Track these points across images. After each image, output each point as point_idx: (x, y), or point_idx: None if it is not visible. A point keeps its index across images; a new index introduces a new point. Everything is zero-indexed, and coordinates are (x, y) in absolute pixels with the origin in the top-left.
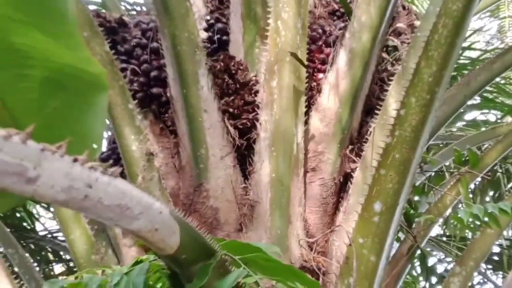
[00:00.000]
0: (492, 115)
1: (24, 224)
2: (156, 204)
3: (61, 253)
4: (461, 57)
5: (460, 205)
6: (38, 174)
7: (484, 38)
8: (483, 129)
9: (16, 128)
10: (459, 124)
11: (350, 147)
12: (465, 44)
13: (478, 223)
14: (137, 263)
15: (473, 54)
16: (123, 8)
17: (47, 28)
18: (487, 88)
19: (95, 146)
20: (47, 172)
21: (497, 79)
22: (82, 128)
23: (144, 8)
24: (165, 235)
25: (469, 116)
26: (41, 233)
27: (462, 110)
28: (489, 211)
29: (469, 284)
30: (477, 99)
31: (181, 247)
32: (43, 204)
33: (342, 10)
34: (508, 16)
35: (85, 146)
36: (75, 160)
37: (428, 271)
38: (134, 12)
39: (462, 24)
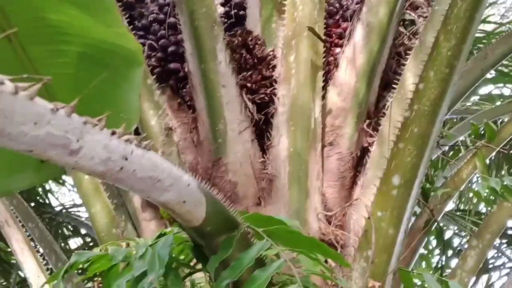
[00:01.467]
0: (507, 89)
1: (40, 200)
2: (185, 176)
3: (77, 227)
4: (477, 30)
5: (476, 179)
6: (80, 146)
7: (499, 12)
8: (498, 103)
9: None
10: (474, 98)
11: (367, 121)
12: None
13: (493, 198)
14: (161, 235)
15: (488, 27)
16: None
17: (84, 5)
18: (503, 62)
19: (131, 118)
20: (88, 144)
21: None
22: (118, 102)
23: None
24: (192, 207)
25: (484, 90)
26: (56, 209)
27: (477, 84)
28: (506, 184)
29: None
30: (492, 73)
31: (207, 219)
32: (57, 180)
33: None
34: None
35: (121, 119)
36: (113, 133)
37: (444, 245)
38: None
39: None
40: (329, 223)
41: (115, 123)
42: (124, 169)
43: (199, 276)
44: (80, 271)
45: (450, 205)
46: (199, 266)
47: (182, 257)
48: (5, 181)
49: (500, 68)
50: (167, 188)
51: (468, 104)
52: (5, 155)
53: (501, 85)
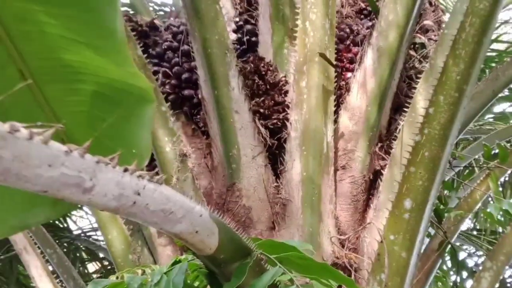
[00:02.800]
0: None
1: (59, 224)
2: (197, 207)
3: (95, 251)
4: (488, 50)
5: (489, 200)
6: (94, 184)
7: None
8: None
9: (67, 138)
10: (488, 116)
11: (379, 144)
12: (492, 37)
13: (508, 217)
14: (175, 262)
15: (501, 46)
16: (151, 9)
17: (97, 46)
18: None
19: (142, 154)
20: (101, 182)
21: None
22: (130, 138)
23: (172, 8)
24: (205, 237)
25: (497, 108)
26: (75, 232)
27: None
28: None
29: (500, 278)
30: (505, 91)
31: (220, 248)
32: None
33: (369, 8)
34: None
35: (133, 155)
36: (126, 170)
37: (458, 266)
38: (162, 13)
39: (489, 23)
40: (343, 246)
41: (127, 159)
42: (136, 204)
43: None
44: None
45: (467, 224)
46: None
47: (196, 283)
48: (22, 215)
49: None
50: (179, 219)
51: (482, 123)
52: (22, 192)
53: None
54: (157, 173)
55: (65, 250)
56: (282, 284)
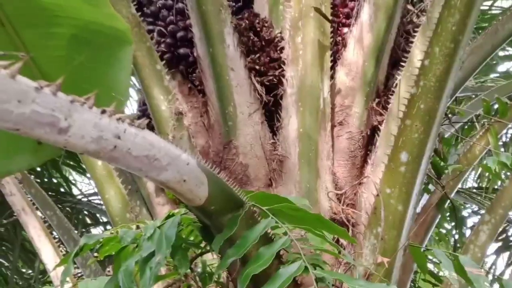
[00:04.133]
0: None
1: (61, 189)
2: (183, 155)
3: (98, 215)
4: (493, 7)
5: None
6: (69, 125)
7: None
8: None
9: None
10: (493, 76)
11: (377, 100)
12: None
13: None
14: (169, 216)
15: (506, 3)
16: None
17: None
18: None
19: (122, 98)
20: (78, 123)
21: None
22: (108, 82)
23: None
24: (193, 186)
25: (502, 67)
26: (77, 197)
27: (494, 62)
28: None
29: (499, 230)
30: (510, 50)
31: (210, 198)
32: (78, 169)
33: None
34: None
35: (112, 99)
36: (103, 112)
37: (457, 221)
38: None
39: None
40: (340, 201)
41: (106, 103)
42: (118, 148)
43: (212, 258)
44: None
45: (469, 183)
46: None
47: (192, 238)
48: (4, 162)
49: None
50: (165, 167)
51: (483, 80)
52: (1, 138)
53: None
54: (138, 118)
55: (68, 215)
56: (277, 237)
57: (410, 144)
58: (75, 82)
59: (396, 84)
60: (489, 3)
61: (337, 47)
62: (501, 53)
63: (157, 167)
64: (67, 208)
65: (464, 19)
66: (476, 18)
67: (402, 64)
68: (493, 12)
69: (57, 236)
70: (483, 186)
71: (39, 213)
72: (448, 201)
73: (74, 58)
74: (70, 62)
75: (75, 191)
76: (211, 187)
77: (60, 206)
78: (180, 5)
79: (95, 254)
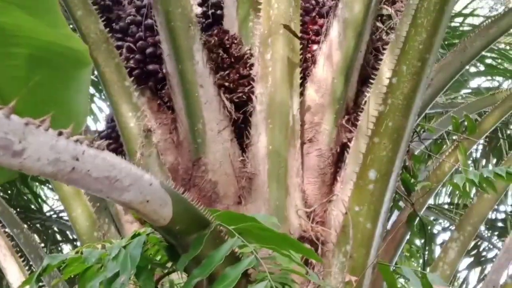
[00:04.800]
0: (496, 82)
1: (31, 206)
2: (146, 175)
3: (68, 232)
4: (464, 24)
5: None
6: (24, 148)
7: (488, 4)
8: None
9: (4, 104)
10: (464, 92)
11: (346, 117)
12: (467, 11)
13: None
14: (134, 236)
15: (477, 21)
16: None
17: (30, 7)
18: (490, 54)
19: (80, 119)
20: (33, 145)
21: (501, 46)
22: (67, 102)
23: None
24: (157, 206)
25: (473, 83)
26: (47, 214)
27: (465, 78)
28: (485, 176)
29: (468, 248)
30: (481, 66)
31: (174, 218)
32: (49, 185)
33: None
34: None
35: (70, 120)
36: (60, 134)
37: (426, 238)
38: None
39: None
40: (310, 219)
41: (66, 124)
42: (76, 170)
43: (180, 277)
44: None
45: (441, 198)
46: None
47: (158, 257)
48: None
49: (487, 61)
50: (127, 187)
51: (456, 97)
52: None
53: (490, 78)
54: (112, 143)
55: (37, 232)
56: (244, 256)
57: (378, 162)
58: (34, 103)
59: (365, 101)
60: (460, 19)
61: (306, 64)
62: (472, 69)
63: (119, 188)
64: (37, 225)
65: (431, 38)
66: (443, 36)
67: (371, 81)
68: (464, 28)
69: (24, 255)
70: (455, 202)
71: (7, 230)
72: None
73: (33, 78)
74: (28, 82)
75: (45, 207)
76: (176, 207)
77: (29, 223)
78: (149, 21)
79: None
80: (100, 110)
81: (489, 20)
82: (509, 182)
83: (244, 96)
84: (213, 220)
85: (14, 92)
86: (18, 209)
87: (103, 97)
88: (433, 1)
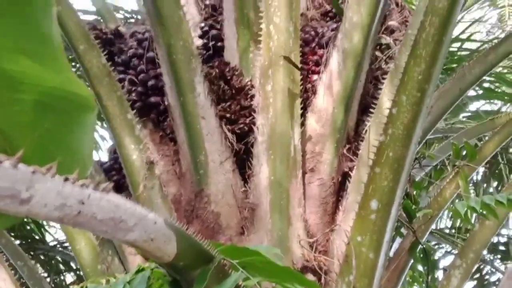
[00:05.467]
0: (495, 105)
1: (34, 235)
2: (150, 214)
3: (71, 262)
4: (461, 49)
5: (460, 198)
6: (31, 195)
7: (485, 28)
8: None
9: (11, 149)
10: (463, 115)
11: (347, 146)
12: (464, 36)
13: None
14: (139, 271)
15: (474, 45)
16: (121, 17)
17: (34, 53)
18: (488, 78)
19: (86, 163)
20: (40, 192)
21: (498, 69)
22: (72, 147)
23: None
24: (162, 244)
25: (472, 107)
26: (51, 244)
27: (464, 102)
28: (486, 203)
29: (471, 273)
30: (479, 90)
31: (179, 255)
32: None
33: (334, 10)
34: (507, 5)
35: (76, 164)
36: (66, 179)
37: (429, 265)
38: (132, 21)
39: (449, 22)
40: (313, 249)
41: (71, 168)
42: (82, 213)
43: None
44: None
45: (443, 223)
46: None
47: None
48: None
49: (485, 85)
50: (131, 227)
51: (456, 122)
52: None
53: (489, 101)
54: (114, 175)
55: (41, 262)
56: None
57: (379, 192)
58: (40, 147)
59: (366, 131)
60: (457, 45)
61: (307, 94)
62: (471, 92)
63: (123, 228)
64: (40, 255)
65: (429, 69)
66: (442, 66)
67: (372, 110)
68: (462, 53)
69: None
70: (456, 226)
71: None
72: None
73: (39, 123)
74: (34, 128)
75: (48, 237)
76: (180, 243)
77: (32, 253)
78: (151, 54)
79: None
80: (102, 139)
81: (487, 45)
82: (511, 209)
83: (245, 127)
84: (217, 254)
85: (21, 137)
86: (21, 240)
87: (105, 125)
88: (432, 32)
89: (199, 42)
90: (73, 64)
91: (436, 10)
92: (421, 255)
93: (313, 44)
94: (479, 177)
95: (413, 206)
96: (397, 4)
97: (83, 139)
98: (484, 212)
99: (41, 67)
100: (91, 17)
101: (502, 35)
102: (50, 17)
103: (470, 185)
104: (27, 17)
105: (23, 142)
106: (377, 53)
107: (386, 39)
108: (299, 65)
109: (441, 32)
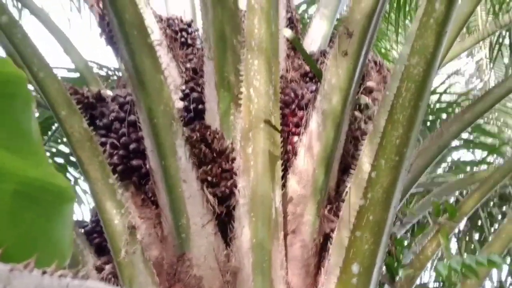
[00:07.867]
0: (477, 154)
1: None
2: None
3: None
4: (439, 101)
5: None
6: None
7: (464, 78)
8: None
9: None
10: (444, 165)
11: (329, 206)
12: (442, 88)
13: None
14: None
15: (451, 98)
16: (104, 74)
17: (14, 148)
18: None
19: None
20: None
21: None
22: (50, 236)
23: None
24: None
25: (454, 155)
26: None
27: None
28: (467, 263)
29: None
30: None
31: None
32: None
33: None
34: (485, 57)
35: (55, 253)
36: (44, 273)
37: None
38: (115, 78)
39: (424, 87)
40: None
41: (49, 259)
42: None
43: None
44: None
45: (427, 275)
46: None
47: None
48: None
49: (464, 136)
50: None
51: (433, 176)
52: None
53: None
54: (96, 238)
55: None
56: None
57: (361, 256)
58: (18, 235)
59: (347, 192)
60: (435, 97)
61: (287, 156)
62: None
63: None
64: None
65: (407, 133)
66: (419, 129)
67: (352, 171)
68: (440, 105)
69: None
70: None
71: None
72: None
73: (18, 213)
74: (14, 218)
75: None
76: None
77: None
78: (132, 117)
79: None
80: (84, 193)
81: (465, 101)
82: (491, 268)
83: (227, 190)
84: None
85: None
86: None
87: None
88: (408, 97)
89: (180, 104)
90: (55, 128)
91: (412, 77)
92: None
93: (293, 106)
94: (462, 228)
95: (395, 264)
96: (375, 63)
97: (61, 228)
98: (466, 273)
99: (20, 160)
100: (75, 75)
101: (480, 85)
102: (30, 113)
103: (453, 238)
104: (8, 114)
105: (4, 232)
106: (356, 113)
107: (365, 99)
108: (280, 127)
109: (417, 97)
